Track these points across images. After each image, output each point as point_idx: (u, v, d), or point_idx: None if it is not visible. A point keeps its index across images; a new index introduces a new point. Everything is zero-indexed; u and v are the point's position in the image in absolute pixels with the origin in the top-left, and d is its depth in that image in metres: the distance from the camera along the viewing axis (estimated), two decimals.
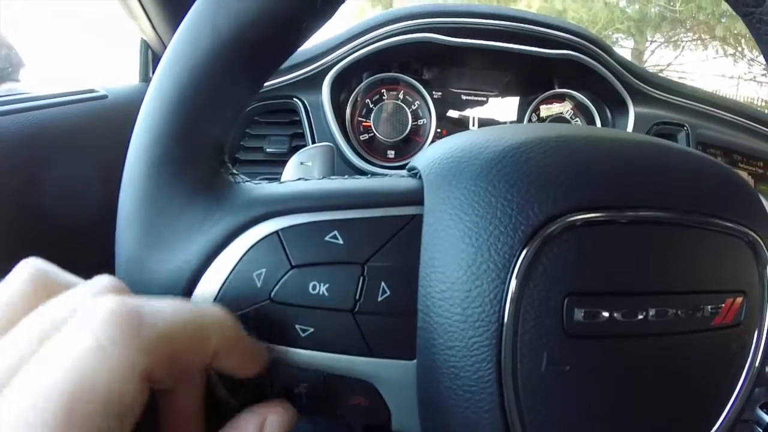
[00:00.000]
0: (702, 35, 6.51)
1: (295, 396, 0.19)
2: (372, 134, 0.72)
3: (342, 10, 0.21)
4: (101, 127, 0.54)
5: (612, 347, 0.17)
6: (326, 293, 0.18)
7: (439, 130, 0.74)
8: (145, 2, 0.60)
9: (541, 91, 0.75)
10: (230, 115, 0.20)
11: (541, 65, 0.72)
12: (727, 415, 0.19)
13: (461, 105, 0.76)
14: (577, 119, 0.77)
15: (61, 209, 0.46)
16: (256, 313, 0.18)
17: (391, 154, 0.73)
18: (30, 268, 0.16)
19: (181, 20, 0.19)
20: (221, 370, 0.17)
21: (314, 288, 0.18)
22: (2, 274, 0.16)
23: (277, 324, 0.18)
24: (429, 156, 0.21)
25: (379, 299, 0.18)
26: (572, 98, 0.76)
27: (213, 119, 0.19)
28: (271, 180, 0.22)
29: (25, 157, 0.45)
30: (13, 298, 0.15)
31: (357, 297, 0.18)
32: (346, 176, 0.21)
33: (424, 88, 0.73)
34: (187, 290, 0.18)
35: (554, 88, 0.75)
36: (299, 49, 0.21)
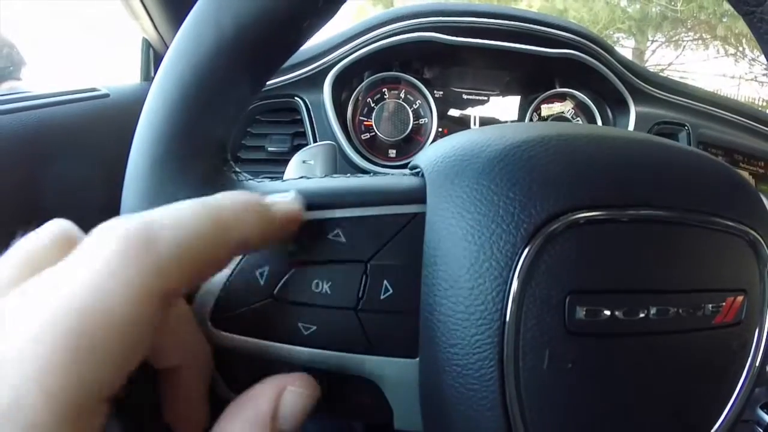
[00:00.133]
0: (703, 35, 6.50)
1: None
2: (373, 133, 0.72)
3: (343, 9, 0.21)
4: (103, 125, 0.54)
5: (613, 345, 0.17)
6: (329, 291, 0.18)
7: (440, 129, 0.74)
8: (147, 1, 0.60)
9: (543, 90, 0.75)
10: (233, 113, 0.20)
11: (542, 64, 0.72)
12: (727, 414, 0.19)
13: (462, 104, 0.76)
14: (578, 118, 0.77)
15: (63, 208, 0.45)
16: (258, 311, 0.18)
17: (392, 153, 0.73)
18: (59, 224, 0.16)
19: (183, 19, 0.19)
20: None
21: (317, 286, 0.18)
22: None
23: (280, 322, 0.18)
24: (431, 155, 0.21)
25: (382, 297, 0.18)
26: (573, 97, 0.76)
27: (215, 117, 0.19)
28: (273, 179, 0.22)
29: (27, 156, 0.45)
30: (38, 248, 0.15)
31: (360, 295, 0.18)
32: (349, 175, 0.22)
33: (426, 87, 0.73)
34: None
35: (555, 88, 0.75)
36: (300, 48, 0.21)
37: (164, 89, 0.19)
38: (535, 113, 0.76)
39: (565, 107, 0.77)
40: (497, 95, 0.77)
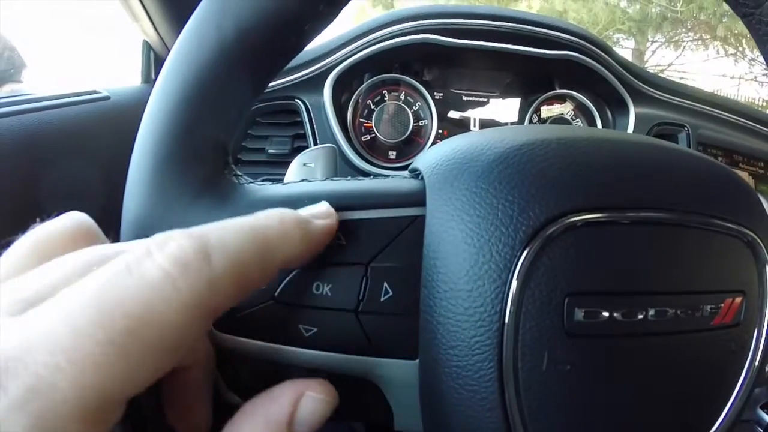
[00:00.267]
0: (703, 35, 6.50)
1: None
2: (373, 135, 0.73)
3: (343, 12, 0.21)
4: (104, 128, 0.54)
5: (612, 346, 0.17)
6: (329, 293, 0.18)
7: (440, 131, 0.74)
8: (148, 4, 0.60)
9: (542, 91, 0.75)
10: (234, 116, 0.20)
11: (541, 66, 0.72)
12: (726, 414, 0.19)
13: (462, 106, 0.76)
14: (578, 120, 0.77)
15: (64, 210, 0.46)
16: (259, 313, 0.18)
17: (392, 155, 0.73)
18: (74, 216, 0.16)
19: (183, 22, 0.19)
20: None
21: (318, 288, 0.18)
22: None
23: (281, 324, 0.19)
24: (430, 157, 0.21)
25: (382, 299, 0.19)
26: (573, 99, 0.76)
27: (217, 120, 0.19)
28: (273, 181, 0.22)
29: (28, 158, 0.45)
30: (49, 237, 0.15)
31: (360, 297, 0.18)
32: (349, 177, 0.22)
33: (426, 89, 0.73)
34: None
35: (555, 89, 0.75)
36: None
37: (166, 92, 0.19)
38: (534, 115, 0.76)
39: (565, 109, 0.77)
40: (497, 97, 0.77)
